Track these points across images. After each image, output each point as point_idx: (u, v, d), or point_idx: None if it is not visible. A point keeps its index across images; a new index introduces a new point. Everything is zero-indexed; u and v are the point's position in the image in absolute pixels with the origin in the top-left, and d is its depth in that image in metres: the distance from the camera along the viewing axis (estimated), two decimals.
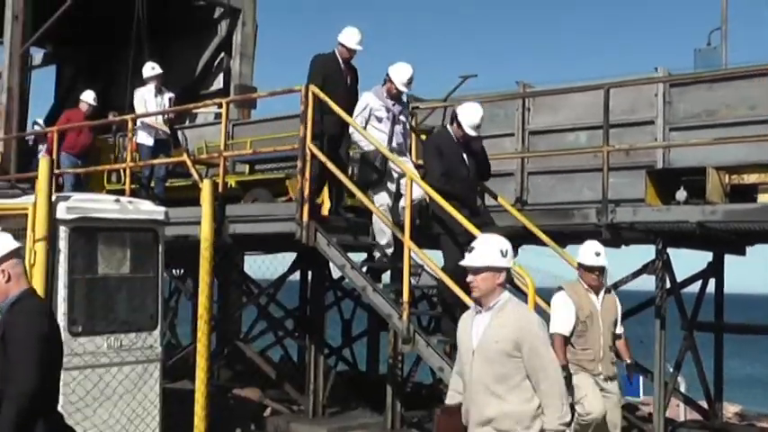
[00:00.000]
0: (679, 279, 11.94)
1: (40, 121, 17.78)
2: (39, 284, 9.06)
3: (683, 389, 13.72)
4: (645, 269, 11.34)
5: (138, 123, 13.68)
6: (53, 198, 9.48)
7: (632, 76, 12.25)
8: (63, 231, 9.51)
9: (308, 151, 10.85)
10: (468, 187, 10.22)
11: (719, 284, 12.88)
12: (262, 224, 11.57)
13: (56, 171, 12.37)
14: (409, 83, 10.77)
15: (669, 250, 11.40)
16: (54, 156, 13.83)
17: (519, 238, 11.38)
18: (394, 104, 10.90)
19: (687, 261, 13.78)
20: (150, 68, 14.54)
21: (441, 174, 10.01)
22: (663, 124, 11.75)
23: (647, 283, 11.47)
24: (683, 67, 12.35)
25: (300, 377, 13.06)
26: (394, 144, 10.86)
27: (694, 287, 12.67)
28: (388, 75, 10.73)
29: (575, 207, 11.36)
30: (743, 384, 34.87)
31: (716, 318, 13.06)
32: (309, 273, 13.81)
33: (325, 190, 11.92)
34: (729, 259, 12.95)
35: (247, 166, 14.18)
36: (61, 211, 9.50)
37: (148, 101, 14.16)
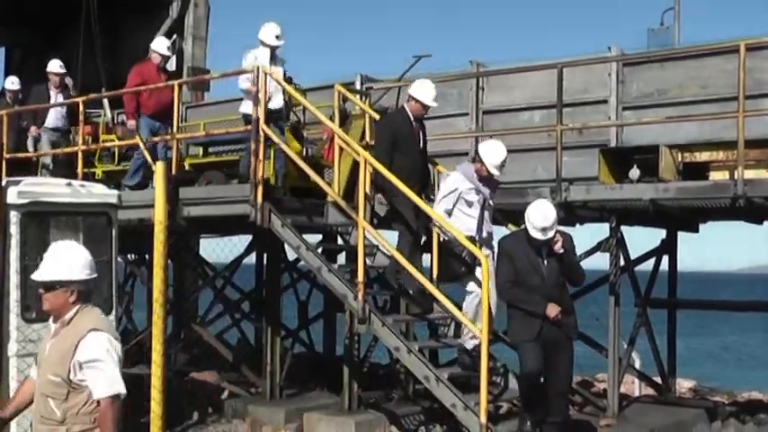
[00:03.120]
0: (633, 257, 12.07)
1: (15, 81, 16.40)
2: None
3: (637, 365, 13.83)
4: (599, 247, 11.42)
5: None
6: (3, 182, 9.38)
7: (586, 56, 12.32)
8: (14, 216, 9.43)
9: (261, 133, 10.83)
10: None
11: (673, 262, 13.03)
12: (216, 206, 11.54)
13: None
14: (502, 166, 9.80)
15: (623, 228, 11.50)
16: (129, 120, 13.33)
17: None
18: (484, 185, 9.94)
19: (641, 239, 13.91)
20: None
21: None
22: (616, 103, 11.85)
23: (602, 262, 11.58)
24: (636, 47, 12.42)
25: (257, 359, 13.04)
26: (484, 233, 9.99)
27: (648, 265, 12.80)
28: (477, 154, 9.86)
29: (529, 186, 11.42)
30: (697, 360, 35.32)
31: (669, 294, 13.21)
32: (265, 255, 13.78)
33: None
34: (682, 237, 13.11)
35: (201, 149, 14.10)
36: (12, 196, 9.42)
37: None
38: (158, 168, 10.81)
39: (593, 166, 11.39)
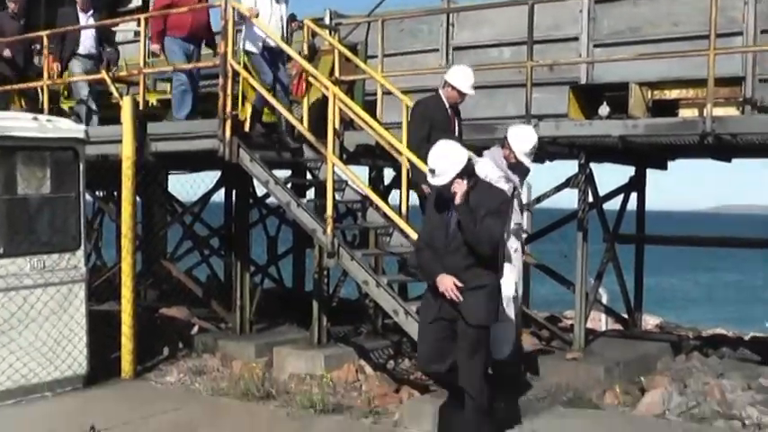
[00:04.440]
0: (602, 194, 12.15)
1: None
2: None
3: (604, 300, 14.01)
4: (568, 183, 11.48)
5: None
6: None
7: None
8: None
9: (229, 68, 10.78)
10: None
11: (641, 198, 13.15)
12: (184, 141, 11.48)
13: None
14: (532, 153, 9.25)
15: (592, 166, 11.56)
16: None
17: None
18: (514, 172, 9.30)
19: (609, 178, 13.98)
20: None
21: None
22: (587, 40, 11.81)
23: (571, 201, 11.64)
24: None
25: (227, 295, 13.09)
26: (512, 224, 9.30)
27: (616, 204, 12.91)
28: (506, 140, 9.22)
29: (499, 122, 11.43)
30: (663, 298, 35.73)
31: (637, 230, 13.33)
32: (234, 191, 13.77)
33: (248, 107, 11.88)
34: (650, 176, 13.21)
35: (168, 85, 13.98)
36: None
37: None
38: (125, 104, 10.80)
39: (563, 102, 11.43)
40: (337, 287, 12.25)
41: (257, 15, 11.42)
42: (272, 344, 11.66)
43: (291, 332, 12.61)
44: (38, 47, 14.10)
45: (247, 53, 11.72)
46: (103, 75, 12.48)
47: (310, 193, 12.18)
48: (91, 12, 13.82)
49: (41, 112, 12.32)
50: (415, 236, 9.65)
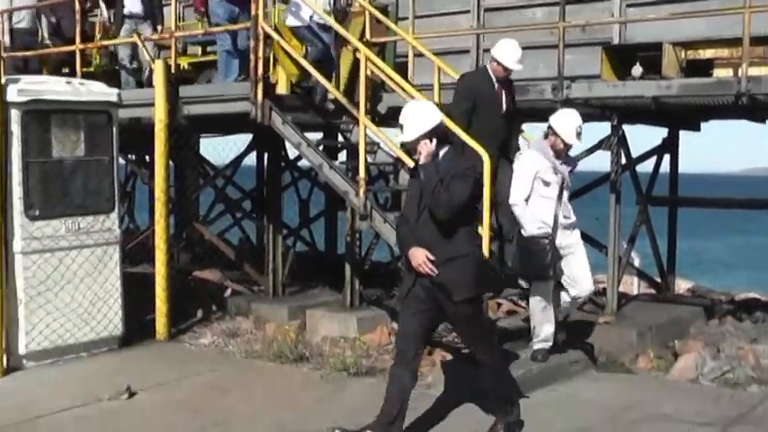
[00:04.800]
0: (634, 156, 12.09)
1: None
2: None
3: (636, 264, 13.93)
4: (600, 145, 11.43)
5: None
6: (3, 80, 9.37)
7: None
8: (15, 114, 9.44)
9: (260, 30, 10.76)
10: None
11: (674, 160, 13.04)
12: (216, 104, 11.48)
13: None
14: (579, 134, 8.96)
15: (625, 128, 11.49)
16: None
17: None
18: (562, 163, 8.96)
19: (642, 141, 13.89)
20: None
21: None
22: (619, 0, 11.72)
23: (603, 163, 11.59)
24: None
25: (260, 258, 13.13)
26: (561, 218, 8.90)
27: (649, 167, 12.83)
28: (550, 128, 8.94)
29: (530, 84, 11.37)
30: (697, 261, 35.59)
31: (670, 193, 13.25)
32: (266, 154, 13.78)
33: (279, 69, 11.88)
34: (684, 138, 13.12)
35: (200, 48, 14.02)
36: (12, 94, 9.42)
37: None
38: (157, 67, 10.83)
39: (596, 64, 11.32)
40: (369, 250, 12.27)
41: None
42: (305, 306, 11.71)
43: (324, 295, 12.65)
44: (88, 4, 14.05)
45: (292, 29, 11.59)
46: (135, 38, 12.48)
47: (342, 156, 12.21)
48: None
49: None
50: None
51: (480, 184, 7.54)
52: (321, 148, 10.86)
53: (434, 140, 6.91)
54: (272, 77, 11.54)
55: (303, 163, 13.54)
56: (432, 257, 6.74)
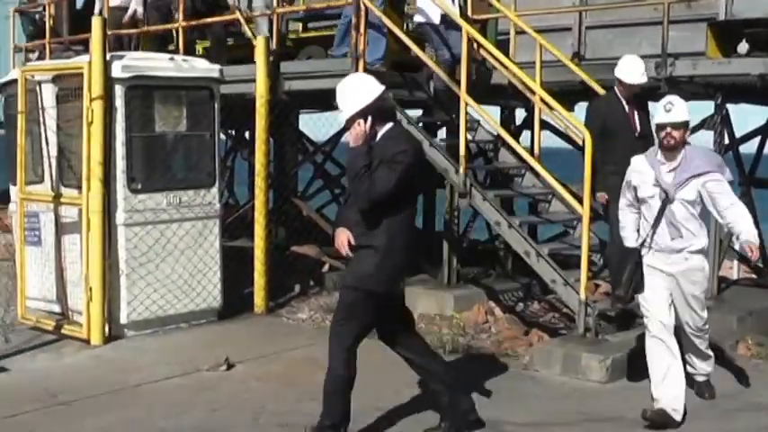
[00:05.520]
0: (738, 136, 11.81)
1: None
2: (97, 143, 9.20)
3: (737, 247, 13.64)
4: (703, 124, 11.19)
5: None
6: (108, 57, 9.52)
7: None
8: (119, 89, 9.59)
9: (362, 6, 10.73)
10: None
11: None
12: (316, 80, 11.51)
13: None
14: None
15: (729, 107, 11.23)
16: None
17: (577, 93, 11.30)
18: (671, 170, 7.17)
19: (746, 120, 13.58)
20: None
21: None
22: None
23: (706, 143, 11.34)
24: None
25: None
26: (661, 240, 7.21)
27: (753, 147, 12.54)
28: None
29: None
30: None
31: None
32: None
33: None
34: None
35: (300, 24, 14.04)
36: (116, 70, 9.57)
37: None
38: (259, 43, 10.89)
39: (701, 40, 11.04)
40: (468, 228, 12.22)
41: None
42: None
43: (421, 272, 12.64)
44: None
45: (419, 25, 11.42)
46: (237, 15, 12.56)
47: (441, 133, 12.15)
48: None
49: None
50: (548, 177, 9.57)
51: (416, 171, 6.37)
52: (421, 125, 10.82)
53: (369, 119, 6.23)
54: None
55: None
56: (353, 242, 6.30)
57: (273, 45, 11.72)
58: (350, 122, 6.28)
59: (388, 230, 6.24)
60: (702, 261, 7.24)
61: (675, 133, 7.03)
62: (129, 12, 14.33)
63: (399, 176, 6.10)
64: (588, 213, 8.78)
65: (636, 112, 9.72)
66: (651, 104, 9.66)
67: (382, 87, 6.39)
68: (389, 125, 6.35)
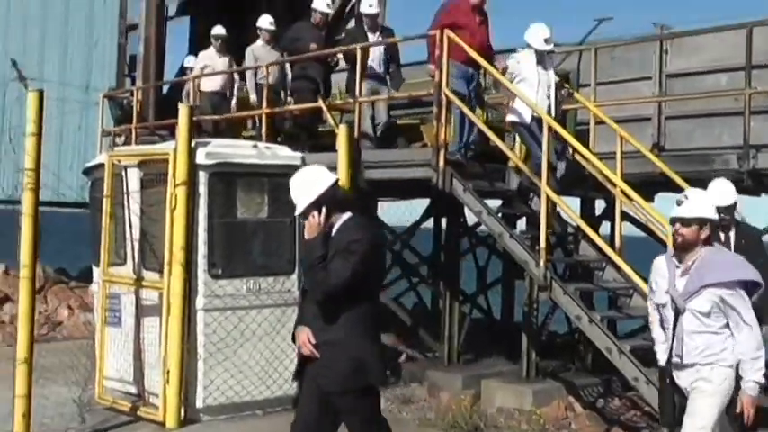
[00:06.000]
0: None
1: (193, 59, 17.27)
2: (180, 228, 9.30)
3: None
4: None
5: None
6: (193, 143, 9.66)
7: None
8: (203, 176, 9.71)
9: (443, 97, 10.79)
10: None
11: None
12: (398, 170, 11.57)
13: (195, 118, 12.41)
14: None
15: None
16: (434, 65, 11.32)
17: (656, 184, 11.21)
18: (683, 273, 6.41)
19: None
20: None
21: None
22: None
23: None
24: None
25: (435, 324, 13.07)
26: (679, 358, 6.45)
27: None
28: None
29: (714, 152, 11.06)
30: None
31: None
32: (444, 219, 13.79)
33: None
34: None
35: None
36: (201, 157, 9.70)
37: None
38: (341, 132, 10.97)
39: None
40: (547, 320, 12.07)
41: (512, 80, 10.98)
42: (480, 376, 11.56)
43: (499, 364, 12.47)
44: (334, 60, 13.89)
45: (512, 124, 11.23)
46: (320, 103, 12.70)
47: (520, 223, 12.09)
48: (379, 30, 13.51)
49: None
50: (629, 270, 9.42)
51: (373, 259, 6.20)
52: (500, 215, 10.78)
53: (323, 210, 6.12)
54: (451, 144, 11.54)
55: (482, 229, 13.45)
56: (313, 340, 6.09)
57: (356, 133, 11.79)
58: (305, 215, 6.17)
59: (347, 323, 6.06)
60: (718, 372, 6.25)
61: (685, 231, 6.27)
62: (253, 98, 14.51)
63: (355, 266, 5.95)
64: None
65: None
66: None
67: (334, 177, 6.35)
68: (347, 215, 6.22)
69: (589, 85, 12.30)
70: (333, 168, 10.80)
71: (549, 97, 11.08)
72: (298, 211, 6.22)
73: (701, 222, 6.26)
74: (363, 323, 6.13)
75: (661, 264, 6.55)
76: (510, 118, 11.24)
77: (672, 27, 13.01)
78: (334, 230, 6.14)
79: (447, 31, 10.91)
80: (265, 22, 14.97)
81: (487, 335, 14.03)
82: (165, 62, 19.89)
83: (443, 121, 10.73)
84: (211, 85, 15.51)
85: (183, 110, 9.70)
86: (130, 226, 10.13)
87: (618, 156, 10.61)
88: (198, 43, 20.54)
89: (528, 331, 11.41)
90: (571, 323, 12.46)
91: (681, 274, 6.32)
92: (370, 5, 13.40)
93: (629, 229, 11.86)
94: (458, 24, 11.47)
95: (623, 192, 9.92)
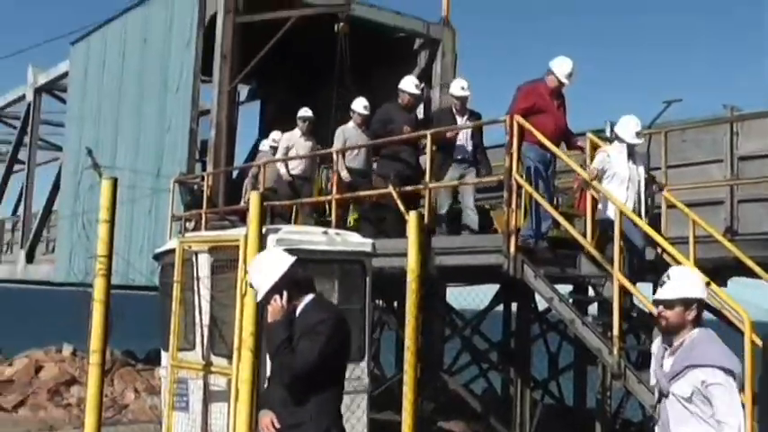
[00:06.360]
0: None
1: (268, 144, 17.32)
2: (249, 314, 9.29)
3: None
4: None
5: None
6: (263, 230, 9.70)
7: None
8: None
9: (513, 182, 10.75)
10: None
11: None
12: (468, 256, 11.51)
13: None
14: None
15: None
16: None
17: (729, 269, 11.03)
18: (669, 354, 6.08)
19: None
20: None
21: None
22: None
23: None
24: None
25: (505, 410, 12.91)
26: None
27: None
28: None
29: None
30: None
31: None
32: (514, 305, 13.68)
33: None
34: None
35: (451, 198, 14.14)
36: (271, 243, 9.71)
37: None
38: (412, 218, 10.96)
39: None
40: (621, 407, 11.86)
41: (597, 178, 10.77)
42: None
43: None
44: (423, 143, 13.37)
45: (602, 222, 10.92)
46: (390, 189, 12.71)
47: (592, 308, 11.94)
48: (467, 114, 13.47)
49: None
50: None
51: (338, 339, 6.27)
52: (572, 301, 10.66)
53: (284, 294, 6.19)
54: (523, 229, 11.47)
55: (553, 314, 13.31)
56: (277, 425, 6.11)
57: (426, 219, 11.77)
58: (265, 300, 6.18)
59: (314, 405, 6.08)
60: None
61: (668, 313, 5.87)
62: (344, 177, 14.18)
63: (321, 347, 5.98)
64: (751, 401, 8.38)
65: None
66: None
67: (291, 259, 6.34)
68: (309, 297, 6.28)
69: (660, 168, 12.18)
70: (404, 254, 10.90)
71: (639, 194, 10.85)
72: (259, 297, 6.25)
73: (686, 303, 5.85)
74: (330, 404, 6.24)
75: (656, 346, 6.21)
76: (601, 215, 10.95)
77: (742, 109, 12.90)
78: (297, 312, 6.19)
79: (517, 117, 10.87)
80: (360, 105, 14.91)
81: (560, 422, 13.82)
82: (235, 146, 20.22)
83: (514, 206, 10.66)
84: (293, 168, 15.44)
85: (253, 196, 9.76)
86: (200, 311, 10.16)
87: (690, 240, 10.48)
88: (268, 127, 20.88)
89: (601, 419, 11.23)
90: (645, 411, 12.22)
91: (668, 355, 5.98)
92: (463, 88, 13.42)
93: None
94: (537, 108, 11.46)
95: (668, 252, 9.75)
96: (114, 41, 21.62)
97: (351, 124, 14.85)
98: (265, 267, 6.31)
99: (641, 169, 10.96)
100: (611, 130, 12.99)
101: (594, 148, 12.19)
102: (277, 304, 6.18)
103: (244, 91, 25.19)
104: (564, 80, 11.52)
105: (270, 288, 6.19)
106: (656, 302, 5.96)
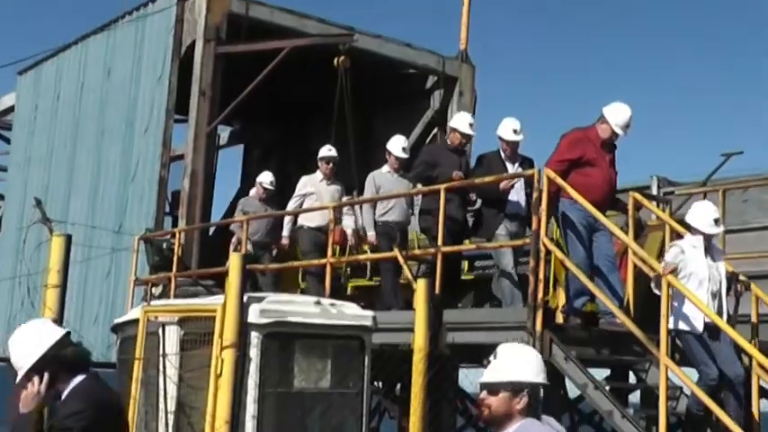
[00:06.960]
0: None
1: (262, 187, 17.04)
2: (225, 399, 9.25)
3: None
4: None
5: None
6: (245, 298, 9.67)
7: None
8: (255, 338, 9.68)
9: (541, 247, 10.72)
10: None
11: None
12: (485, 333, 11.47)
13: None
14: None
15: None
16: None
17: None
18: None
19: None
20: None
21: None
22: None
23: None
24: None
25: None
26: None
27: None
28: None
29: None
30: None
31: None
32: None
33: (561, 292, 11.76)
34: None
35: (465, 264, 14.15)
36: (254, 314, 9.69)
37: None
38: (419, 287, 10.94)
39: None
40: None
41: (673, 271, 10.30)
42: None
43: None
44: (473, 197, 13.57)
45: (678, 332, 10.63)
46: (396, 252, 12.70)
47: (633, 397, 11.89)
48: (519, 160, 13.07)
49: None
50: None
51: None
52: (609, 389, 10.61)
53: (46, 376, 5.80)
54: (552, 302, 11.45)
55: (586, 403, 13.25)
56: None
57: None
58: (21, 384, 5.82)
59: None
60: None
61: (492, 400, 5.47)
62: (371, 234, 14.19)
63: None
64: None
65: None
66: None
67: (59, 333, 6.00)
68: (79, 378, 5.92)
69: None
70: (409, 329, 10.87)
71: (720, 296, 10.58)
72: (18, 380, 5.86)
73: (515, 388, 5.41)
74: None
75: None
76: (675, 325, 10.52)
77: None
78: (62, 398, 5.85)
79: (547, 171, 10.81)
80: (398, 146, 14.52)
81: None
82: (213, 198, 20.17)
83: (541, 276, 10.64)
84: (315, 218, 15.07)
85: (234, 260, 9.75)
86: (164, 395, 10.08)
87: (753, 319, 10.45)
88: (252, 174, 20.79)
89: None
90: None
91: None
92: (515, 131, 12.93)
93: (766, 405, 11.63)
94: (585, 160, 11.42)
95: (760, 364, 9.70)
96: (71, 71, 21.61)
97: (385, 169, 14.47)
98: (23, 343, 5.95)
99: (721, 265, 10.67)
100: (659, 188, 13.03)
101: (638, 208, 12.17)
102: (33, 389, 5.79)
103: (224, 133, 25.16)
104: (619, 131, 11.43)
105: (28, 369, 5.83)
106: (481, 387, 5.55)
